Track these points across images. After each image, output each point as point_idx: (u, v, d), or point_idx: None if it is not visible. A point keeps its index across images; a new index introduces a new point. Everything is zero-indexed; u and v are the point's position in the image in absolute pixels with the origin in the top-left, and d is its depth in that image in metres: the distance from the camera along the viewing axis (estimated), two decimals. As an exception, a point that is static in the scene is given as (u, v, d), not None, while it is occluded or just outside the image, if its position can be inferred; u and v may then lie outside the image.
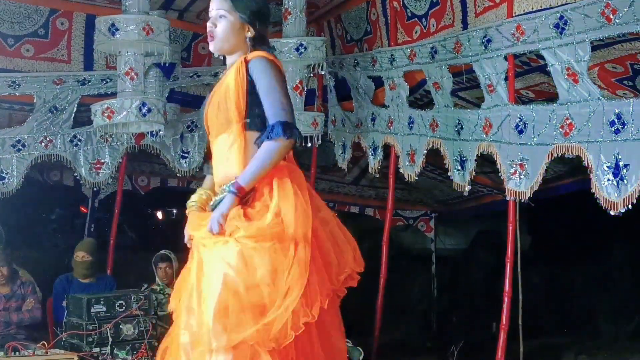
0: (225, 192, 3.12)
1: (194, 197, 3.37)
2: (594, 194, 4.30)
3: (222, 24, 3.24)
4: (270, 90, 3.10)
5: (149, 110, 6.06)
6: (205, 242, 3.11)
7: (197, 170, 7.76)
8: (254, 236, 3.00)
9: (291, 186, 3.07)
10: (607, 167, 4.21)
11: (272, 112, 3.08)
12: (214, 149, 3.28)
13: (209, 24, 3.30)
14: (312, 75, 6.93)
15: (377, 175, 6.87)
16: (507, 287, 5.25)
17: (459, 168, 5.58)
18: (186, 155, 7.70)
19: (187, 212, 3.36)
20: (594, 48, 4.39)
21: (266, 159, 3.05)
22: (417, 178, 6.23)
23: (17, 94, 7.14)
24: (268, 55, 3.19)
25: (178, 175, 7.89)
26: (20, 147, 7.14)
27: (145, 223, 9.81)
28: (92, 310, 5.64)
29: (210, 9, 3.31)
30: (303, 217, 3.03)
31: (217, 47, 3.29)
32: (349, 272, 3.23)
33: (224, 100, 3.17)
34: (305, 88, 6.81)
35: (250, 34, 3.24)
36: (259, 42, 3.27)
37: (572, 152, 4.51)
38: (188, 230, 3.27)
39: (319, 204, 3.24)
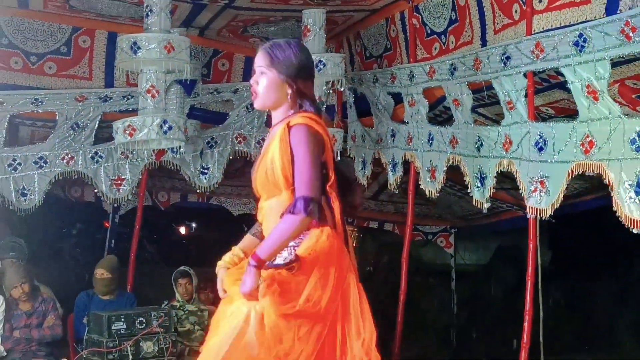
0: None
1: (226, 257, 3.40)
2: (615, 211, 4.29)
3: (262, 81, 3.28)
4: (301, 162, 3.10)
5: (170, 128, 6.10)
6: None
7: (217, 186, 7.80)
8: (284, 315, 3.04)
9: (333, 275, 3.09)
10: (629, 185, 4.20)
11: (298, 185, 3.09)
12: (265, 211, 3.29)
13: (252, 81, 3.33)
14: (331, 91, 6.95)
15: (397, 191, 6.88)
16: (527, 306, 5.22)
17: (479, 185, 5.58)
18: (206, 171, 7.73)
19: (216, 270, 3.39)
20: (613, 65, 4.38)
21: (284, 232, 3.06)
22: (437, 194, 6.22)
23: (40, 111, 7.21)
24: (308, 120, 3.18)
25: (198, 191, 7.93)
26: (42, 164, 7.20)
27: (165, 238, 9.85)
28: (113, 327, 5.67)
29: (254, 65, 3.34)
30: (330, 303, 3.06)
31: (259, 104, 3.33)
32: None
33: (271, 168, 3.19)
34: (325, 104, 6.84)
35: (289, 90, 3.26)
36: (301, 97, 3.27)
37: (592, 170, 4.49)
38: (223, 287, 3.29)
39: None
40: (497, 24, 5.37)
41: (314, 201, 3.05)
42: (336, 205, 3.21)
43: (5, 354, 6.30)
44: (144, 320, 5.73)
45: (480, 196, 5.58)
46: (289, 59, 3.25)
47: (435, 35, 6.14)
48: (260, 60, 3.29)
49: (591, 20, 4.39)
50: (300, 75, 3.27)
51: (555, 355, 6.83)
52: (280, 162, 3.14)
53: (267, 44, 3.33)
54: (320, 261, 3.09)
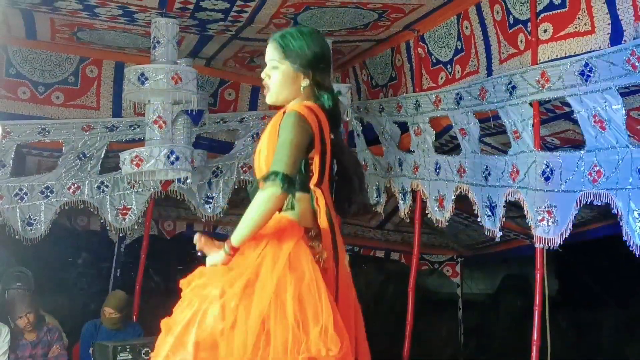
0: None
1: None
2: (624, 240, 4.28)
3: (274, 74, 3.12)
4: (280, 144, 2.95)
5: (177, 158, 6.12)
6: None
7: (222, 215, 7.79)
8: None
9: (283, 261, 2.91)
10: (638, 214, 4.19)
11: (273, 162, 2.93)
12: None
13: (263, 75, 3.18)
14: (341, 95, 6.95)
15: (408, 220, 6.86)
16: (535, 336, 5.19)
17: (489, 214, 5.56)
18: (210, 200, 7.74)
19: None
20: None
21: (256, 210, 2.91)
22: (446, 224, 6.21)
23: (47, 140, 7.24)
24: (303, 108, 3.01)
25: (203, 220, 7.93)
26: (49, 194, 7.21)
27: (171, 268, 9.83)
28: (118, 357, 5.67)
29: (266, 58, 3.18)
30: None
31: (272, 99, 3.17)
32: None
33: (258, 156, 3.09)
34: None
35: (305, 82, 3.10)
36: (318, 88, 3.11)
37: (600, 199, 4.49)
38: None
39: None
40: (503, 53, 5.39)
41: (287, 177, 2.87)
42: (322, 205, 3.02)
43: (11, 384, 6.29)
44: (150, 351, 5.69)
45: (492, 225, 5.56)
46: (303, 48, 3.09)
47: (441, 65, 6.17)
48: (271, 53, 3.14)
49: (597, 50, 4.41)
50: (316, 66, 3.10)
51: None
52: (266, 148, 3.02)
53: (278, 33, 3.17)
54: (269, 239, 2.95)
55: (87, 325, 6.86)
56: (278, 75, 3.12)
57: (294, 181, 2.92)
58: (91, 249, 9.34)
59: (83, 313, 7.85)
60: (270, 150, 3.00)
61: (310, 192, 3.05)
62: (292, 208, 3.05)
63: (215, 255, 3.05)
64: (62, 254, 9.19)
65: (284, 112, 3.04)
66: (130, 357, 5.68)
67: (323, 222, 3.02)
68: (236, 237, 2.96)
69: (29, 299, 6.67)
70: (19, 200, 7.10)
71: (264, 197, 2.88)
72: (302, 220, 3.05)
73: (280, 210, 3.03)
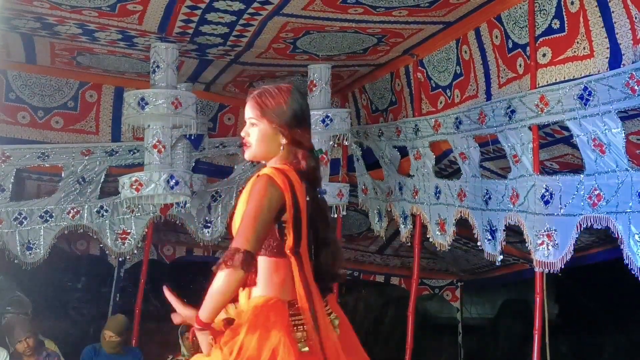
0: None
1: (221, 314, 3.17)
2: (625, 264, 4.27)
3: (253, 132, 3.09)
4: (246, 214, 2.90)
5: (177, 183, 6.12)
6: None
7: (220, 239, 7.78)
8: None
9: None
10: (639, 237, 4.18)
11: (235, 237, 2.88)
12: None
13: (242, 133, 3.16)
14: (336, 145, 6.98)
15: (409, 244, 6.85)
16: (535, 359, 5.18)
17: (490, 238, 5.55)
18: (209, 225, 7.73)
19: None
20: (617, 119, 4.41)
21: (218, 289, 2.87)
22: (448, 247, 6.20)
23: (46, 165, 7.25)
24: (274, 172, 2.96)
25: (202, 244, 7.92)
26: (48, 218, 7.21)
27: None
28: (118, 381, 5.63)
29: (245, 116, 3.16)
30: None
31: (250, 155, 3.13)
32: None
33: (235, 217, 3.03)
34: (329, 158, 6.87)
35: (283, 141, 3.07)
36: (297, 147, 3.08)
37: (600, 223, 4.48)
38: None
39: None
40: (502, 77, 5.41)
41: (249, 254, 2.83)
42: (296, 275, 2.95)
43: (9, 409, 6.24)
44: (149, 376, 5.69)
45: (492, 249, 5.54)
46: (280, 106, 3.06)
47: (441, 89, 6.19)
48: (249, 111, 3.11)
49: (596, 74, 4.43)
50: (294, 124, 3.06)
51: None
52: (240, 217, 2.96)
53: (256, 91, 3.13)
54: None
55: (87, 349, 6.83)
56: (257, 134, 3.09)
57: (255, 257, 2.88)
58: (91, 273, 9.32)
59: (82, 337, 7.83)
60: (240, 218, 2.97)
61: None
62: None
63: (201, 344, 3.03)
64: (62, 279, 9.18)
65: (258, 175, 3.01)
66: (128, 382, 5.66)
67: (299, 295, 2.96)
68: (203, 314, 2.93)
69: (28, 323, 6.64)
70: (18, 225, 7.09)
71: (224, 277, 2.84)
72: (283, 292, 3.00)
73: (247, 285, 3.00)
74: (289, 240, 2.97)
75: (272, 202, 2.91)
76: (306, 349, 2.93)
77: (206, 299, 2.91)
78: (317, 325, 2.94)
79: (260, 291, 3.00)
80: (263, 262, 2.99)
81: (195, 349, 6.87)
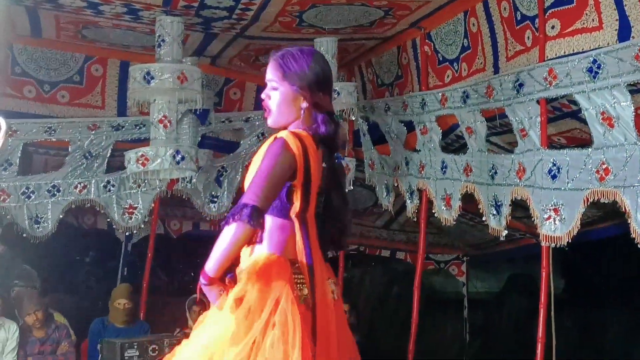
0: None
1: None
2: (632, 238, 4.26)
3: (274, 96, 3.03)
4: (258, 172, 2.87)
5: (183, 158, 6.11)
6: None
7: (227, 214, 7.76)
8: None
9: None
10: (646, 211, 4.18)
11: (245, 193, 2.85)
12: None
13: (263, 95, 3.09)
14: (342, 119, 6.96)
15: (415, 219, 6.85)
16: (540, 334, 5.19)
17: (495, 213, 5.55)
18: (215, 199, 7.74)
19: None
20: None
21: (224, 243, 2.83)
22: (454, 222, 6.20)
23: (53, 139, 7.26)
24: (290, 136, 2.93)
25: (208, 219, 7.93)
26: (55, 192, 7.22)
27: (177, 267, 9.84)
28: (126, 354, 5.67)
29: (266, 78, 3.08)
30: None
31: (272, 121, 3.07)
32: None
33: (248, 176, 3.00)
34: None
35: (304, 104, 3.01)
36: (317, 111, 3.02)
37: (607, 197, 4.47)
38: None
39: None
40: (510, 50, 5.38)
41: (257, 210, 2.80)
42: (298, 238, 2.94)
43: (20, 381, 6.31)
44: (157, 348, 5.72)
45: (497, 224, 5.54)
46: (302, 69, 3.00)
47: (448, 63, 6.16)
48: (271, 73, 3.05)
49: (605, 47, 4.39)
50: (315, 87, 3.00)
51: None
52: (250, 174, 2.95)
53: (278, 53, 3.07)
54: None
55: (95, 323, 6.88)
56: (277, 98, 3.04)
57: (263, 214, 2.85)
58: (98, 247, 9.36)
59: (91, 311, 7.85)
60: (252, 175, 2.94)
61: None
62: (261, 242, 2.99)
63: (210, 299, 3.00)
64: (70, 253, 9.21)
65: (275, 138, 2.97)
66: (137, 354, 5.69)
67: (300, 257, 2.96)
68: (209, 268, 2.91)
69: (36, 296, 6.70)
70: (26, 199, 7.12)
71: (232, 231, 2.82)
72: (286, 251, 2.99)
73: (253, 242, 2.99)
74: (296, 205, 2.95)
75: (284, 165, 2.88)
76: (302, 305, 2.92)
77: (212, 253, 2.88)
78: (313, 286, 2.94)
79: (263, 249, 2.98)
80: (269, 221, 2.97)
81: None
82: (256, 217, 2.80)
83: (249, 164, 3.10)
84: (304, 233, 2.96)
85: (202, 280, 2.91)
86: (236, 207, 2.82)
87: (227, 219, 2.84)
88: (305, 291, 2.96)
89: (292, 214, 2.96)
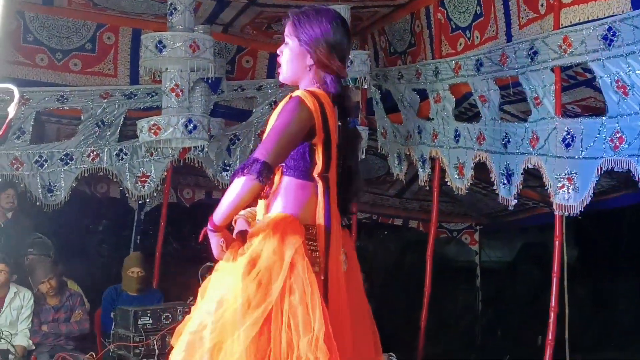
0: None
1: (243, 211, 3.16)
2: (645, 208, 4.24)
3: (285, 52, 3.06)
4: (272, 129, 2.89)
5: (195, 127, 6.12)
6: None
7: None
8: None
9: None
10: (660, 181, 4.15)
11: (258, 148, 2.87)
12: None
13: (278, 50, 3.11)
14: (355, 88, 6.93)
15: (427, 188, 6.84)
16: (553, 303, 5.19)
17: (505, 182, 5.53)
18: (227, 167, 7.74)
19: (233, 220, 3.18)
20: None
21: (233, 194, 2.87)
22: (467, 191, 6.19)
23: (66, 107, 7.27)
24: (307, 95, 2.92)
25: (220, 187, 7.94)
26: (68, 161, 7.24)
27: (190, 235, 9.88)
28: (139, 322, 5.70)
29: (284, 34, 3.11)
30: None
31: (282, 77, 3.11)
32: None
33: (264, 135, 3.00)
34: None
35: (310, 62, 3.01)
36: (324, 70, 3.00)
37: (622, 166, 4.44)
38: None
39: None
40: (522, 18, 5.32)
41: (267, 166, 2.81)
42: (320, 200, 2.94)
43: (34, 347, 6.36)
44: (170, 316, 5.75)
45: (507, 193, 5.54)
46: (313, 27, 2.99)
47: (460, 31, 6.11)
48: (286, 29, 3.07)
49: (620, 14, 4.34)
50: (323, 46, 2.98)
51: (580, 352, 6.78)
52: (266, 132, 2.95)
53: (297, 10, 3.08)
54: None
55: (109, 291, 6.92)
56: (287, 53, 3.06)
57: (272, 170, 2.86)
58: (111, 216, 9.39)
59: (104, 279, 7.90)
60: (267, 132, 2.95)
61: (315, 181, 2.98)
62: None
63: (212, 245, 3.03)
64: (83, 221, 9.26)
65: (290, 96, 2.97)
66: (150, 321, 5.72)
67: (319, 219, 2.96)
68: (216, 217, 2.95)
69: (50, 264, 6.74)
70: (39, 167, 7.15)
71: (240, 185, 2.85)
72: (304, 214, 2.98)
73: (260, 197, 3.00)
74: (319, 165, 2.95)
75: (300, 122, 2.89)
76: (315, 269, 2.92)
77: (221, 203, 2.92)
78: (327, 251, 2.95)
79: (280, 209, 2.99)
80: (289, 182, 2.99)
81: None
82: (265, 173, 2.82)
83: (262, 132, 3.09)
84: (326, 194, 2.96)
85: (209, 225, 2.96)
86: (247, 160, 2.85)
87: (237, 172, 2.86)
88: (318, 255, 2.96)
89: (315, 174, 2.96)
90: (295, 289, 2.84)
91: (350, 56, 6.41)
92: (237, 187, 2.85)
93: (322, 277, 2.93)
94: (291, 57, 3.05)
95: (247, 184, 2.83)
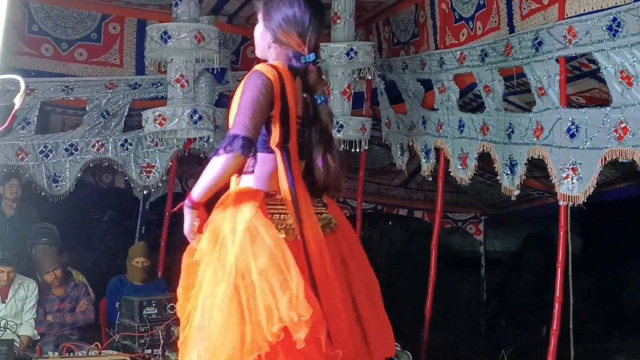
0: None
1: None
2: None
3: (255, 29, 3.18)
4: (240, 103, 2.92)
5: (200, 118, 6.13)
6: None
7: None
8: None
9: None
10: (664, 171, 4.15)
11: (232, 124, 2.91)
12: None
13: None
14: (359, 78, 6.93)
15: (430, 179, 6.84)
16: (557, 293, 5.19)
17: (508, 172, 5.54)
18: (231, 157, 7.73)
19: None
20: (647, 51, 4.33)
21: (214, 171, 2.89)
22: (469, 182, 6.19)
23: (71, 98, 7.27)
24: (265, 67, 2.99)
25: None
26: (73, 151, 7.26)
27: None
28: (144, 312, 5.73)
29: None
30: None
31: (256, 53, 3.23)
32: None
33: (230, 112, 3.04)
34: (352, 92, 6.82)
35: (270, 39, 3.10)
36: (281, 45, 3.08)
37: (626, 156, 4.44)
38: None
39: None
40: (524, 9, 5.32)
41: (248, 140, 2.85)
42: (280, 167, 2.95)
43: (39, 337, 6.39)
44: (175, 305, 5.77)
45: (510, 183, 5.54)
46: (275, 7, 3.08)
47: (463, 21, 6.10)
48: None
49: (625, 4, 4.33)
50: (281, 24, 3.06)
51: (585, 342, 6.79)
52: (235, 109, 2.97)
53: None
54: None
55: (113, 281, 6.94)
56: (256, 30, 3.17)
57: (254, 143, 2.89)
58: (116, 206, 9.41)
59: (109, 269, 7.93)
60: (236, 109, 2.97)
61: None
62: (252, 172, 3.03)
63: (185, 221, 3.05)
64: (88, 212, 9.28)
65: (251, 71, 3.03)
66: (155, 311, 5.75)
67: (282, 186, 2.97)
68: (195, 193, 2.97)
69: (55, 254, 6.76)
70: (44, 158, 7.16)
71: (223, 161, 2.87)
72: (267, 184, 3.01)
73: (240, 173, 3.03)
74: (275, 135, 2.98)
75: (264, 91, 2.92)
76: (283, 235, 2.92)
77: (201, 179, 2.93)
78: (298, 216, 2.94)
79: (249, 183, 3.03)
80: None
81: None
82: (248, 146, 2.86)
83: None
84: (286, 163, 2.97)
85: (186, 201, 2.97)
86: (226, 138, 2.86)
87: (217, 151, 2.88)
88: (290, 221, 2.96)
89: (272, 144, 2.98)
90: (260, 253, 2.83)
91: (354, 47, 6.45)
92: (221, 164, 2.87)
93: (301, 241, 2.92)
94: (258, 34, 3.15)
95: (230, 161, 2.86)
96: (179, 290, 3.14)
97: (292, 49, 3.07)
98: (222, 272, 2.85)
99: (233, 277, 2.81)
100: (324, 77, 3.18)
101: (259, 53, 3.20)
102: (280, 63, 3.06)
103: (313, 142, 3.10)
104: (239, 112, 2.90)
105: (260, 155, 3.01)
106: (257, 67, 3.00)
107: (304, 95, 3.09)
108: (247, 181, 3.04)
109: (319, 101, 3.11)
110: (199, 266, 2.99)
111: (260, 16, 3.14)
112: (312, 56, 3.06)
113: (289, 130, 2.99)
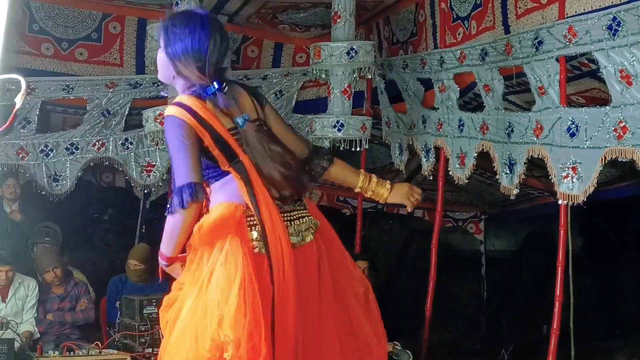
0: None
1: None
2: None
3: (158, 55, 3.10)
4: (175, 155, 2.93)
5: (200, 117, 6.11)
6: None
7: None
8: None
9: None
10: (664, 170, 4.15)
11: (176, 177, 2.93)
12: None
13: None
14: (359, 77, 6.93)
15: (431, 178, 6.85)
16: (558, 292, 5.19)
17: (507, 171, 5.54)
18: (230, 157, 7.74)
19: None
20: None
21: (175, 229, 2.96)
22: (466, 181, 6.19)
23: (71, 97, 7.29)
24: (174, 109, 2.94)
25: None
26: (74, 150, 7.27)
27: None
28: (145, 311, 5.74)
29: None
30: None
31: (160, 78, 3.20)
32: None
33: None
34: (353, 91, 6.83)
35: (172, 72, 3.04)
36: (184, 78, 3.03)
37: (625, 156, 4.44)
38: None
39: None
40: (520, 8, 5.31)
41: (194, 185, 2.86)
42: (239, 183, 2.95)
43: (39, 336, 6.40)
44: (175, 306, 5.77)
45: (509, 182, 5.54)
46: (175, 40, 2.98)
47: (460, 21, 6.11)
48: (159, 32, 3.09)
49: (625, 3, 4.33)
50: (181, 59, 2.99)
51: (586, 341, 6.80)
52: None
53: (170, 14, 3.10)
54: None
55: (114, 280, 6.95)
56: (159, 57, 3.10)
57: (201, 184, 2.91)
58: (117, 205, 9.42)
59: (109, 268, 7.94)
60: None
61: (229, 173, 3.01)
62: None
63: (173, 273, 3.21)
64: (89, 211, 9.29)
65: (163, 117, 3.05)
66: (156, 310, 5.73)
67: (245, 198, 2.98)
68: (165, 250, 3.07)
69: (55, 253, 6.77)
70: (45, 157, 7.17)
71: (178, 217, 2.90)
72: (240, 199, 3.00)
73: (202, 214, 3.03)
74: (221, 159, 2.97)
75: (184, 134, 2.91)
76: (257, 250, 2.97)
77: (165, 237, 3.01)
78: (263, 227, 2.95)
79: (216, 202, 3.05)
80: (213, 188, 3.05)
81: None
82: (196, 190, 2.87)
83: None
84: (243, 177, 2.96)
85: (161, 262, 3.07)
86: (174, 195, 2.89)
87: (170, 209, 2.90)
88: (255, 234, 2.97)
89: (224, 168, 2.98)
90: (221, 266, 2.91)
91: (354, 46, 6.45)
92: (178, 220, 2.91)
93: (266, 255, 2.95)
94: (161, 64, 3.09)
95: (186, 214, 2.89)
96: (163, 303, 3.26)
97: (195, 81, 3.01)
98: (194, 287, 2.97)
99: (198, 292, 2.94)
100: (233, 100, 3.07)
101: (162, 79, 3.15)
102: (186, 96, 2.99)
103: (259, 162, 3.03)
104: (173, 165, 2.95)
105: (218, 183, 3.03)
106: (167, 111, 2.97)
107: (222, 107, 3.01)
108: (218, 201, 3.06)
109: (240, 123, 3.02)
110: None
111: (161, 43, 3.04)
112: (215, 85, 2.98)
113: (230, 147, 2.97)
